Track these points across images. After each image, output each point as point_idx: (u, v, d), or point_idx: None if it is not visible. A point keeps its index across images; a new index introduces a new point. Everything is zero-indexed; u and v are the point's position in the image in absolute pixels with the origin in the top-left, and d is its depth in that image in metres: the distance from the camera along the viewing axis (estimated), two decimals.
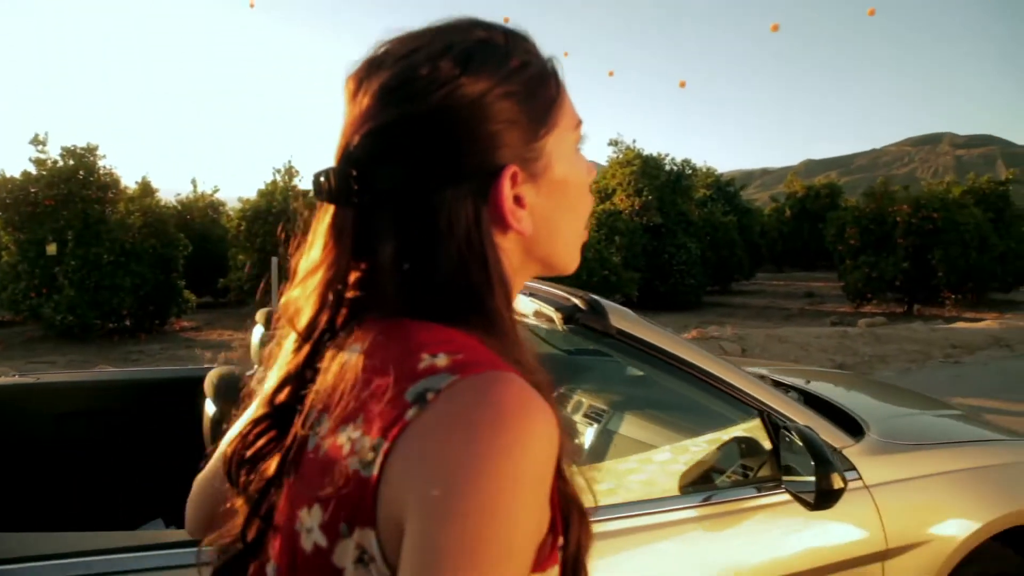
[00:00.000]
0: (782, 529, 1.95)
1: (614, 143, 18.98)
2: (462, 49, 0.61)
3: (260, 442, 0.65)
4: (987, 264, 14.88)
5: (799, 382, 2.97)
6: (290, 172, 19.10)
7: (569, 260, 0.70)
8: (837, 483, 1.72)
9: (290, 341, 0.67)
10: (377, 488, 0.52)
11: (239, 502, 0.66)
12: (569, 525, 0.60)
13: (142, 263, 12.01)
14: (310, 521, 0.57)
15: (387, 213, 0.61)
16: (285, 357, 0.67)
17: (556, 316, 1.81)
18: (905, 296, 15.40)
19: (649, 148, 19.01)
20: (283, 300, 0.67)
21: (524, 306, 1.96)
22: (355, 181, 0.61)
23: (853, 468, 2.05)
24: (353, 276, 0.65)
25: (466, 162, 0.60)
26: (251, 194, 19.28)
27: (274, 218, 17.94)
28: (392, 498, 0.51)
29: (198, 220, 20.04)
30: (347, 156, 0.62)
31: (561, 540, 0.59)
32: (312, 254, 0.65)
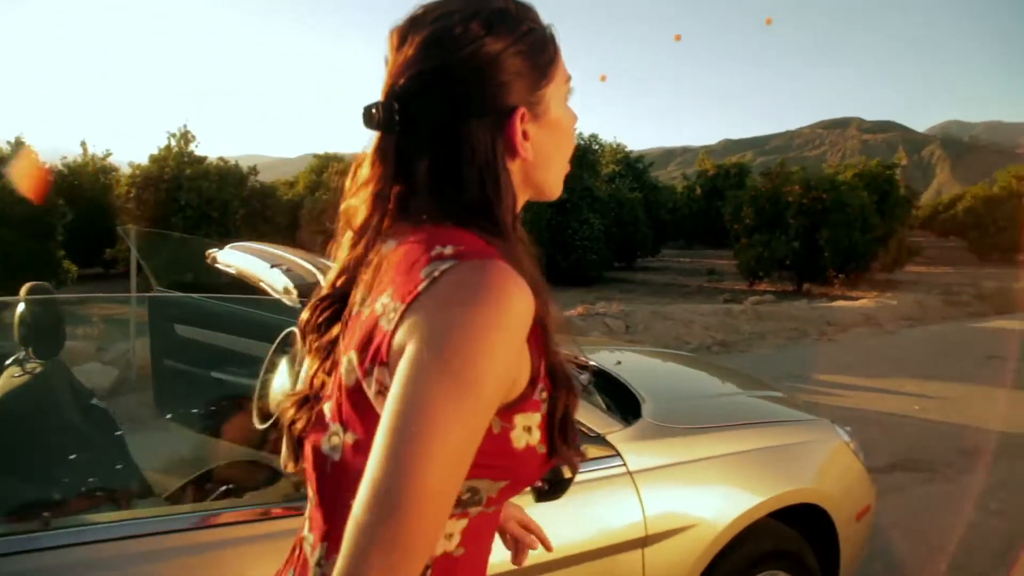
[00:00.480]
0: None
1: None
2: (487, 15, 0.78)
3: (325, 315, 0.87)
4: (869, 244, 15.56)
5: (611, 360, 2.96)
6: (186, 137, 18.23)
7: (555, 187, 0.90)
8: (565, 473, 1.68)
9: (347, 239, 0.86)
10: (392, 337, 0.71)
11: (309, 360, 0.89)
12: (556, 387, 0.79)
13: (12, 229, 11.26)
14: (350, 363, 0.77)
15: (423, 139, 0.79)
16: (344, 251, 0.86)
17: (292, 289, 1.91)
18: (795, 274, 15.99)
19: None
20: (343, 206, 0.86)
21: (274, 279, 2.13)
22: (398, 113, 0.78)
23: (617, 454, 2.04)
24: (395, 189, 0.82)
25: (487, 102, 0.78)
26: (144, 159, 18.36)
27: (167, 185, 17.15)
28: (399, 343, 0.70)
29: (87, 186, 18.95)
30: (393, 93, 0.79)
31: (545, 395, 0.79)
32: (363, 171, 0.83)
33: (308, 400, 0.89)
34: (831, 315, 10.84)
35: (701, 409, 2.62)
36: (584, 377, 2.49)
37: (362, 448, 0.71)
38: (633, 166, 22.60)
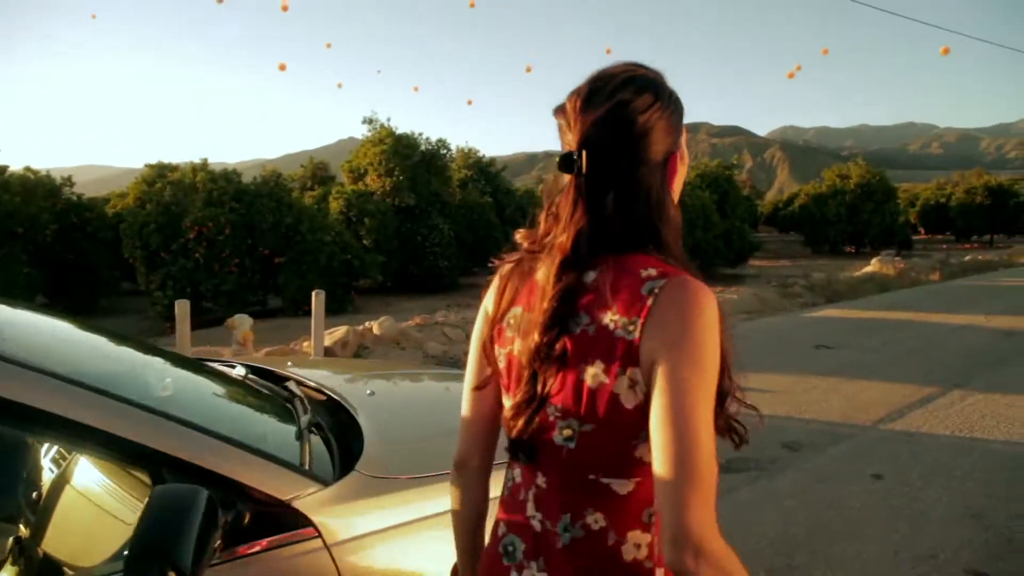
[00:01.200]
0: None
1: (368, 121, 18.10)
2: (654, 88, 1.02)
3: (552, 336, 0.99)
4: (711, 241, 16.02)
5: (362, 390, 2.47)
6: None
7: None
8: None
9: (547, 271, 1.01)
10: (639, 344, 0.92)
11: (536, 372, 1.02)
12: (725, 370, 0.98)
13: None
14: (594, 369, 0.95)
15: (609, 182, 1.00)
16: (550, 281, 1.00)
17: None
18: None
19: (409, 127, 18.45)
20: (550, 239, 1.04)
21: None
22: (590, 161, 0.99)
23: (310, 524, 1.53)
24: (586, 222, 1.01)
25: (656, 153, 1.01)
26: None
27: None
28: (648, 348, 0.91)
29: None
30: (585, 144, 0.99)
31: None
32: (564, 209, 1.02)
33: (525, 407, 1.03)
34: None
35: (445, 449, 2.14)
36: (305, 419, 1.99)
37: (598, 434, 0.98)
38: (485, 170, 22.33)
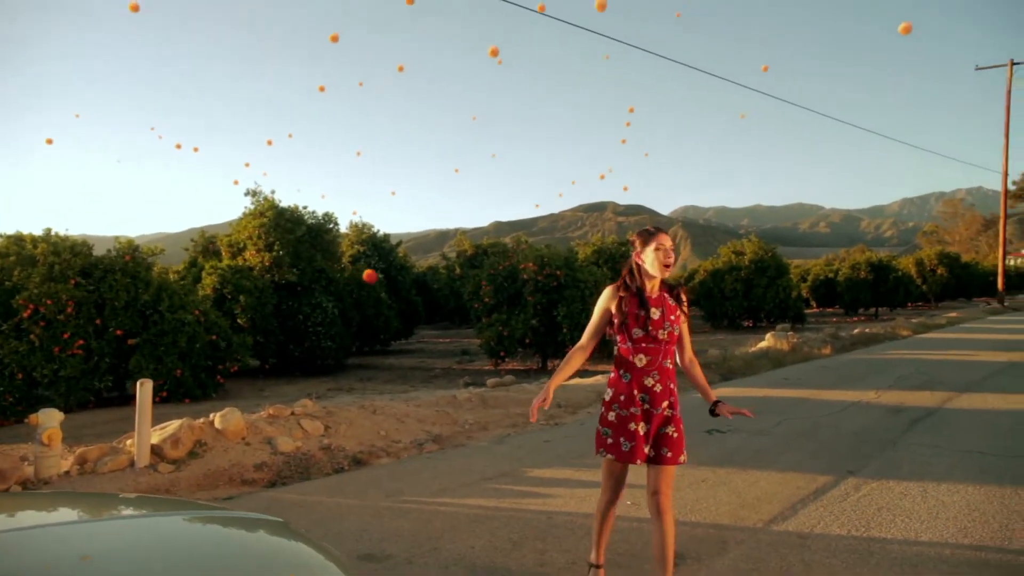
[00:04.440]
0: None
1: (252, 193, 17.07)
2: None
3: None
4: None
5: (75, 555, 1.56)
6: None
7: (653, 272, 3.48)
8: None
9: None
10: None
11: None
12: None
13: None
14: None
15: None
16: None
17: None
18: (538, 351, 15.57)
19: (294, 201, 17.42)
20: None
21: None
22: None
23: None
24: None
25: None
26: None
27: None
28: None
29: None
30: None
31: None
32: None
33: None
34: (561, 395, 10.20)
35: None
36: None
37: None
38: (379, 246, 21.47)
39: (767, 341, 17.26)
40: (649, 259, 3.43)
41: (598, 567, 3.64)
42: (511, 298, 15.21)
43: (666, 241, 3.48)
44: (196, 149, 31.22)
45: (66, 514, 2.20)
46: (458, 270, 30.49)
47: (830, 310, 41.07)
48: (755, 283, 27.06)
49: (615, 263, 18.86)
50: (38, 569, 1.63)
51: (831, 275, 38.77)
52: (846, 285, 35.02)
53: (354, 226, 21.45)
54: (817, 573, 3.97)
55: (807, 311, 34.38)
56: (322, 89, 34.36)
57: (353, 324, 16.90)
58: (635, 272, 3.48)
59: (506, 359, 15.62)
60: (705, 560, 4.18)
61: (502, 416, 8.98)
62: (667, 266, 3.45)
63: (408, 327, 22.29)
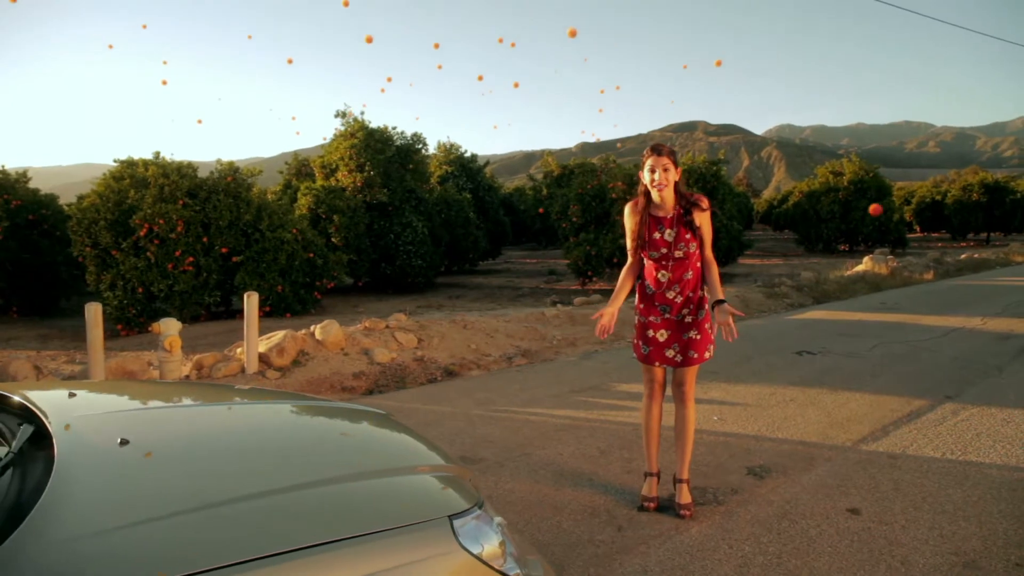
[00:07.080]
0: None
1: (341, 115, 17.36)
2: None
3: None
4: None
5: (113, 438, 1.77)
6: None
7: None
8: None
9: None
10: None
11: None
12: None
13: None
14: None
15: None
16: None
17: None
18: None
19: (383, 122, 17.62)
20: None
21: None
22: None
23: None
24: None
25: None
26: None
27: None
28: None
29: None
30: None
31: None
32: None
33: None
34: None
35: (221, 527, 1.38)
36: None
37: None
38: (467, 167, 21.54)
39: (864, 265, 16.61)
40: (647, 180, 3.39)
41: (652, 475, 3.80)
42: (599, 218, 15.12)
43: (659, 162, 3.34)
44: (290, 60, 31.59)
45: (215, 394, 2.46)
46: (545, 191, 30.34)
47: (935, 235, 38.91)
48: (854, 205, 25.84)
49: (705, 183, 18.35)
50: (190, 436, 1.86)
51: (938, 197, 36.51)
52: (955, 208, 32.97)
53: (442, 146, 21.57)
54: (907, 492, 3.95)
55: (910, 236, 32.68)
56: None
57: (442, 243, 17.23)
58: (647, 193, 3.47)
59: (593, 278, 15.64)
60: (791, 474, 4.22)
61: (589, 333, 9.10)
62: (659, 189, 3.35)
63: (496, 247, 22.57)
